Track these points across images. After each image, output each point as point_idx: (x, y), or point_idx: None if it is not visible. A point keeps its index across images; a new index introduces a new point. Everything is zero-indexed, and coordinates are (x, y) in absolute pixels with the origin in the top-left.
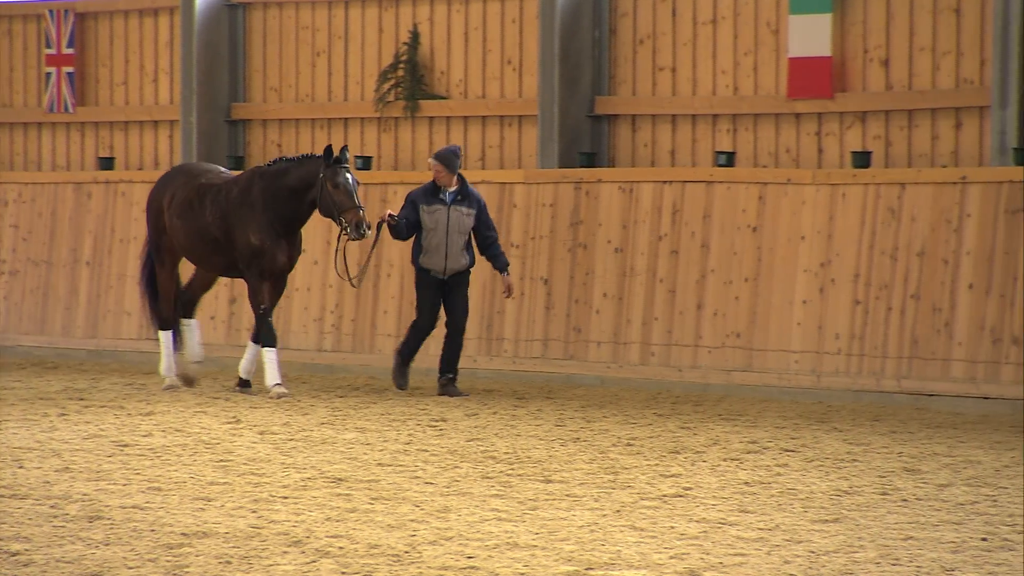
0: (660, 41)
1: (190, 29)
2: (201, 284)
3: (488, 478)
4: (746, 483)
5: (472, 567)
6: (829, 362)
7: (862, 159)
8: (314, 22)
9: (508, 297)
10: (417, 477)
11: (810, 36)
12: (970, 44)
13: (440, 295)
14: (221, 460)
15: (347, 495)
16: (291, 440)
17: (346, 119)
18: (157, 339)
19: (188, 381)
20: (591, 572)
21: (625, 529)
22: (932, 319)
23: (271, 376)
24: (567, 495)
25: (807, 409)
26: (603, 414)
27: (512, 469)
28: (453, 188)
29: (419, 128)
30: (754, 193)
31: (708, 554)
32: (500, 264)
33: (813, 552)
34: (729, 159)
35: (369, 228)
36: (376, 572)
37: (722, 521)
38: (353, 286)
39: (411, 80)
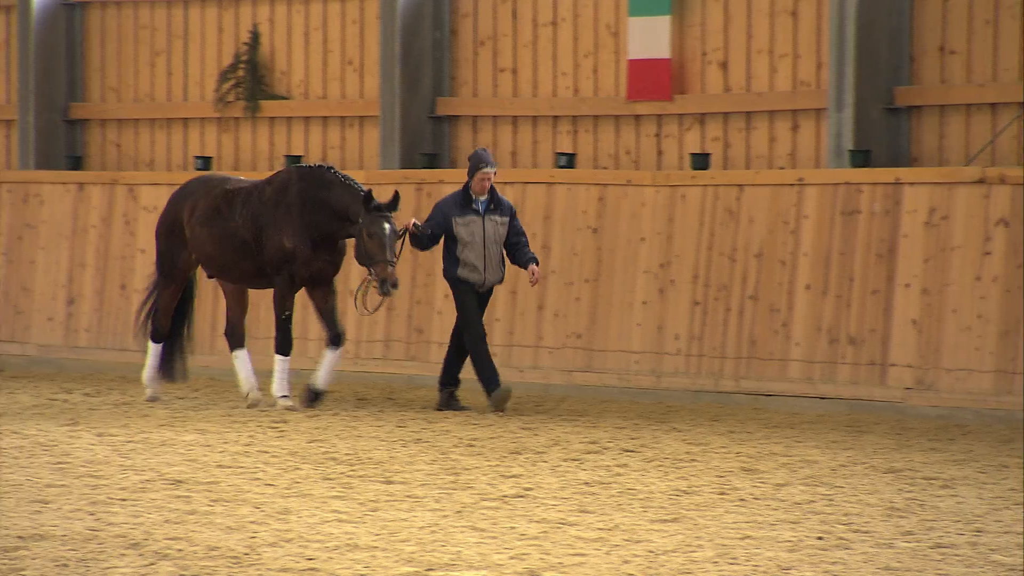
0: (501, 43)
1: (27, 28)
2: (238, 311)
3: (329, 479)
4: (586, 483)
5: (312, 569)
6: (669, 362)
7: (701, 161)
8: (153, 22)
9: (533, 284)
10: (257, 479)
11: (649, 38)
12: (807, 47)
13: (478, 303)
14: (59, 462)
15: (186, 497)
16: (130, 442)
17: (186, 119)
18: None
19: (256, 404)
20: (431, 573)
21: (466, 530)
22: (770, 320)
23: (279, 386)
24: (408, 496)
25: (647, 409)
26: (444, 415)
27: (353, 470)
28: (484, 197)
29: (260, 128)
30: (594, 194)
31: (548, 554)
32: (528, 258)
33: (652, 551)
34: (570, 160)
35: (395, 287)
36: (215, 574)
37: (562, 521)
38: (363, 313)
39: (251, 80)
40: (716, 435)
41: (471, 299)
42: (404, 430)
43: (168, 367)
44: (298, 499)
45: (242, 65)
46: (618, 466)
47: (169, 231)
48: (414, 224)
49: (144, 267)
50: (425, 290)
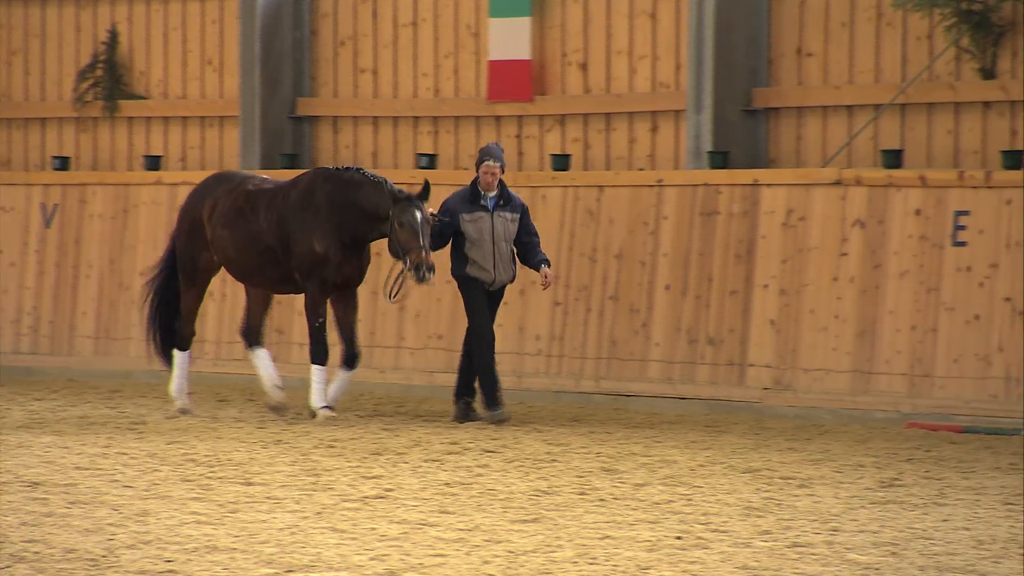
0: (361, 43)
1: None
2: (259, 309)
3: (188, 481)
4: (447, 484)
5: (171, 571)
6: (530, 363)
7: (561, 162)
8: (10, 20)
9: (545, 288)
10: (116, 481)
11: (509, 39)
12: (666, 48)
13: (488, 302)
14: None
15: (43, 499)
16: None
17: (43, 119)
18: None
19: (278, 409)
20: (291, 574)
21: (326, 531)
22: (630, 320)
23: (317, 397)
24: (268, 497)
25: (511, 410)
26: (305, 416)
27: (213, 472)
28: (493, 193)
29: (118, 128)
30: None
31: (408, 555)
32: (541, 259)
33: (512, 552)
34: (431, 161)
35: (432, 271)
36: None
37: (423, 522)
38: (388, 299)
39: (110, 80)
40: (576, 435)
41: (481, 299)
42: (264, 431)
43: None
44: (157, 501)
45: (100, 64)
46: (479, 467)
47: (189, 232)
48: (435, 216)
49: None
50: None
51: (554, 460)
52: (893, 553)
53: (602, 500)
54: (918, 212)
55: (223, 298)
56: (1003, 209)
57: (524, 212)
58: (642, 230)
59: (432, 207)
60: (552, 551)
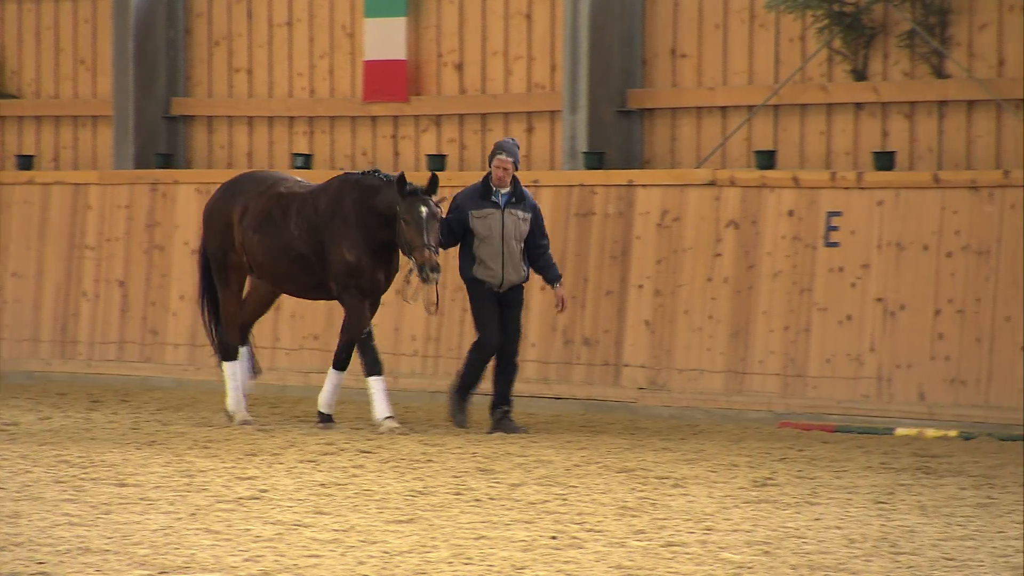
0: (236, 42)
1: None
2: (255, 308)
3: (61, 483)
4: (322, 484)
5: (43, 573)
6: (406, 364)
7: (437, 162)
8: None
9: (561, 311)
10: None
11: (385, 39)
12: (541, 49)
13: (497, 307)
14: None
15: None
16: None
17: None
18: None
19: (234, 419)
20: None
21: (200, 532)
22: None
23: (381, 408)
24: (141, 499)
25: None
26: (180, 416)
27: (86, 473)
28: (506, 190)
29: None
30: None
31: (283, 556)
32: (552, 276)
33: (387, 552)
34: (306, 161)
35: (436, 271)
36: None
37: (297, 523)
38: (407, 301)
39: None
40: (452, 436)
41: (488, 304)
42: (138, 432)
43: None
44: (29, 503)
45: None
46: (354, 467)
47: (220, 233)
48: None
49: None
50: (160, 291)
51: (430, 460)
52: (766, 552)
53: (478, 500)
54: (791, 213)
55: (96, 298)
56: (875, 210)
57: (536, 212)
58: None
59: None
60: (427, 551)
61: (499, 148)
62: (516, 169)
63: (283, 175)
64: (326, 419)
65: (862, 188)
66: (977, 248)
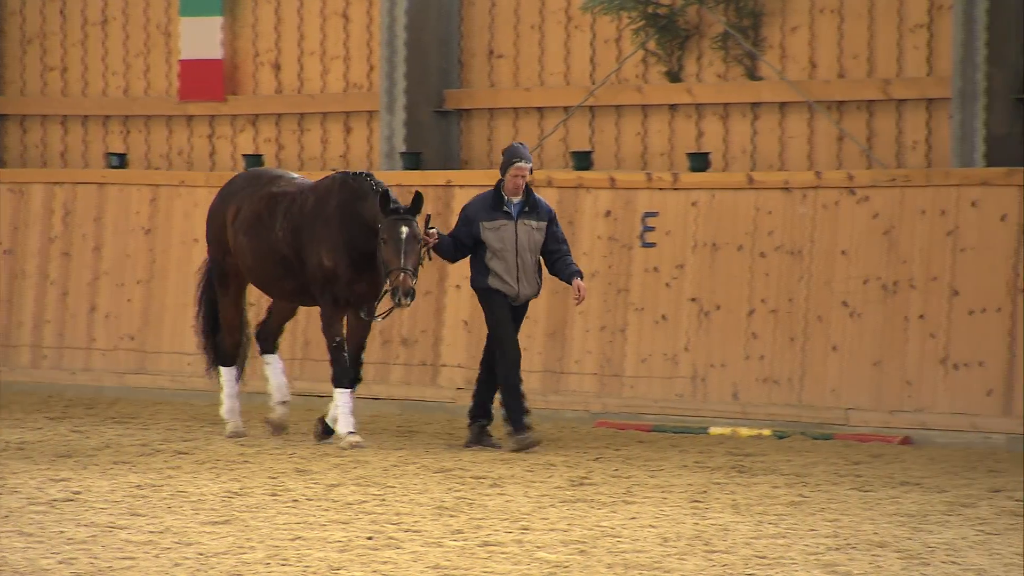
0: (50, 41)
1: None
2: (280, 314)
3: None
4: (137, 486)
5: None
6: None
7: (254, 162)
8: None
9: (579, 303)
10: None
11: (201, 39)
12: (358, 49)
13: (512, 315)
14: None
15: None
16: None
17: None
18: (217, 377)
19: (277, 427)
20: None
21: (12, 534)
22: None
23: (344, 423)
24: None
25: (201, 411)
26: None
27: None
28: (518, 199)
29: None
30: (147, 195)
31: (97, 558)
32: (571, 273)
33: (203, 554)
34: (121, 161)
35: (410, 298)
36: None
37: (112, 525)
38: (376, 319)
39: None
40: (270, 436)
41: (504, 313)
42: None
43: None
44: None
45: None
46: (170, 468)
47: (216, 236)
48: (429, 230)
49: None
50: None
51: (247, 462)
52: (581, 551)
53: (294, 501)
54: (607, 213)
55: None
56: (690, 211)
57: (552, 219)
58: None
59: (453, 215)
60: (243, 552)
61: (515, 155)
62: (530, 175)
63: (281, 173)
64: (327, 431)
65: (677, 189)
66: (790, 248)
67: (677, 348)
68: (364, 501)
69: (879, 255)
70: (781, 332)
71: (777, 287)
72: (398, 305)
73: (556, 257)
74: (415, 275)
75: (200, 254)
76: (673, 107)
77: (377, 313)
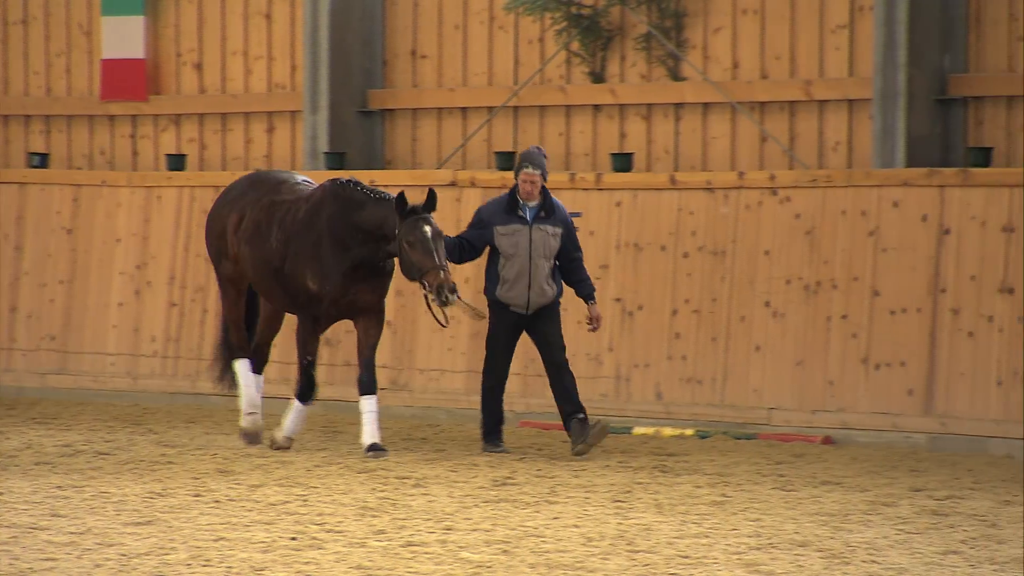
0: None
1: None
2: (269, 327)
3: None
4: (59, 487)
5: None
6: (145, 364)
7: (177, 162)
8: None
9: (594, 330)
10: None
11: (123, 38)
12: (281, 49)
13: (516, 337)
14: None
15: None
16: None
17: None
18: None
19: (250, 436)
20: None
21: None
22: None
23: (289, 427)
24: None
25: (123, 411)
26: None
27: None
28: (534, 203)
29: None
30: (68, 195)
31: (17, 559)
32: (586, 291)
33: (124, 555)
34: (43, 160)
35: (454, 292)
36: None
37: (33, 526)
38: (443, 326)
39: None
40: (192, 437)
41: (503, 336)
42: None
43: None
44: None
45: None
46: (92, 469)
47: (215, 240)
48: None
49: None
50: None
51: (170, 462)
52: (505, 551)
53: (217, 502)
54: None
55: None
56: (613, 211)
57: (569, 225)
58: None
59: (464, 217)
60: (166, 553)
61: (525, 161)
62: (545, 180)
63: (286, 177)
64: (374, 448)
65: (600, 189)
66: (713, 249)
67: (600, 348)
68: (287, 502)
69: (801, 255)
70: (704, 332)
71: (700, 287)
72: (445, 303)
73: (573, 267)
74: (449, 270)
75: (122, 254)
76: (596, 108)
77: (441, 321)
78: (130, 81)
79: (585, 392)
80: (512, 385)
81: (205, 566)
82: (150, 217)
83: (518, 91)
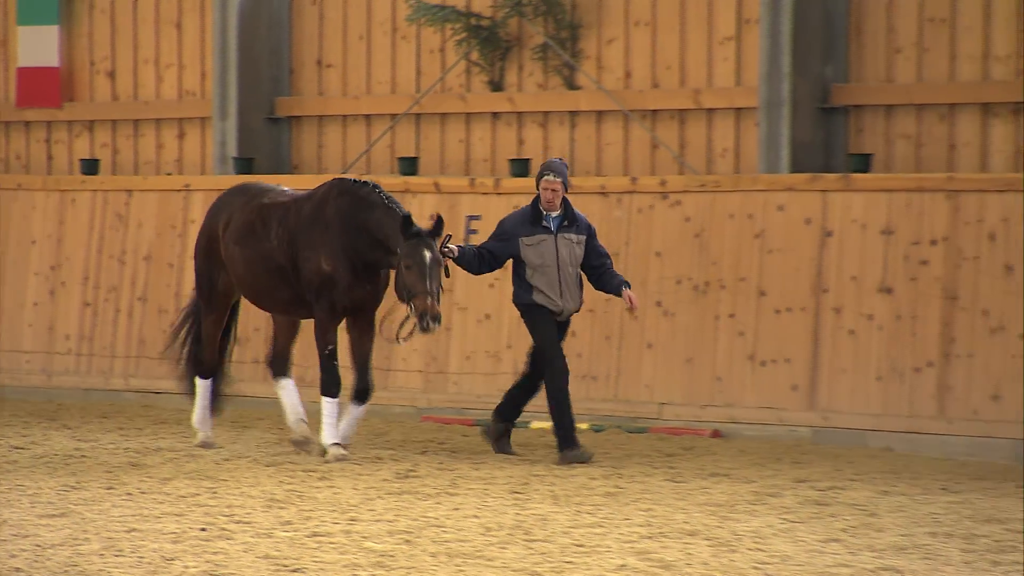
0: None
1: None
2: (286, 335)
3: None
4: None
5: None
6: (59, 362)
7: (90, 166)
8: None
9: (632, 311)
10: None
11: (38, 47)
12: (192, 58)
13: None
14: None
15: None
16: None
17: None
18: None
19: (301, 444)
20: None
21: None
22: (158, 320)
23: (328, 433)
24: None
25: (38, 408)
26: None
27: None
28: (556, 213)
29: None
30: None
31: None
32: (618, 283)
33: (39, 546)
34: None
35: (437, 322)
36: None
37: None
38: (397, 343)
39: None
40: (105, 432)
41: (550, 328)
42: None
43: (215, 403)
44: None
45: None
46: (7, 463)
47: (206, 249)
48: (445, 248)
49: None
50: None
51: (83, 456)
52: (407, 540)
53: (129, 495)
54: (432, 217)
55: None
56: None
57: (591, 233)
58: (170, 233)
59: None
60: (79, 544)
61: (546, 169)
62: (566, 190)
63: (272, 186)
64: (335, 447)
65: (499, 193)
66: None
67: (500, 346)
68: (197, 494)
69: (691, 257)
70: (598, 331)
71: (592, 290)
72: (425, 330)
73: (601, 271)
74: (439, 299)
75: (37, 255)
76: (495, 115)
77: (400, 336)
78: (45, 88)
79: (485, 388)
80: (414, 381)
81: (117, 556)
82: (64, 219)
83: (420, 99)
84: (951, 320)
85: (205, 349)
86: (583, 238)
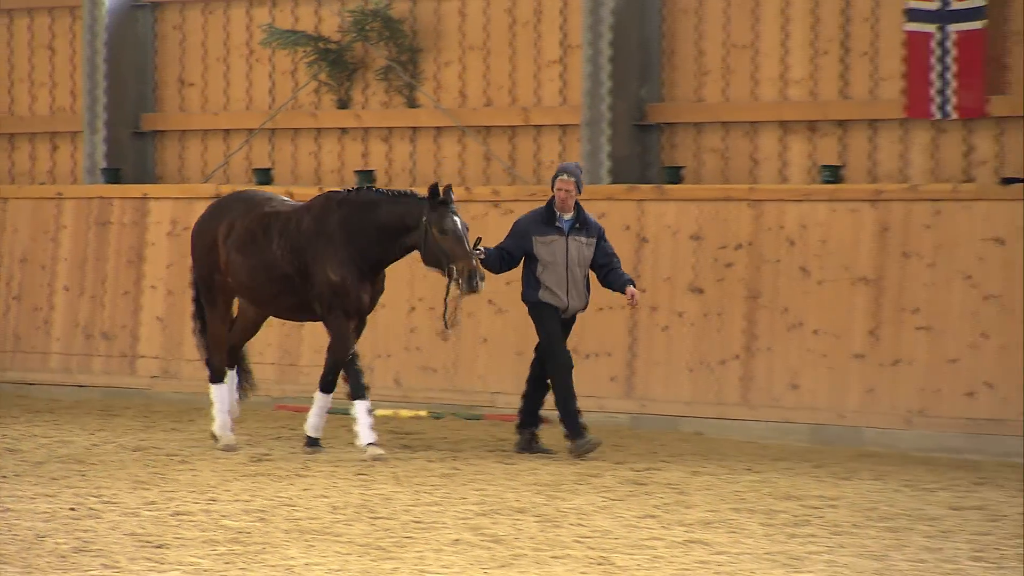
0: None
1: None
2: (243, 330)
3: None
4: None
5: None
6: None
7: None
8: None
9: (632, 306)
10: None
11: None
12: (63, 77)
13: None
14: None
15: None
16: None
17: None
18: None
19: (232, 449)
20: None
21: None
22: (32, 317)
23: (365, 434)
24: None
25: None
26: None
27: None
28: (569, 215)
29: None
30: None
31: None
32: (624, 282)
33: None
34: None
35: (483, 280)
36: None
37: None
38: (446, 328)
39: None
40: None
41: (555, 324)
42: None
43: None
44: None
45: None
46: None
47: (205, 253)
48: (477, 249)
49: None
50: None
51: None
52: (261, 519)
53: (4, 477)
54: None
55: None
56: None
57: (601, 236)
58: (43, 238)
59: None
60: None
61: (561, 170)
62: (579, 193)
63: (270, 195)
64: (313, 443)
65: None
66: None
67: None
68: (68, 477)
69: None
70: (437, 326)
71: (433, 288)
72: (474, 289)
73: (608, 270)
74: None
75: None
76: (343, 130)
77: (448, 322)
78: None
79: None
80: (269, 373)
81: None
82: None
83: (274, 115)
84: (754, 317)
85: (215, 354)
86: (593, 240)
